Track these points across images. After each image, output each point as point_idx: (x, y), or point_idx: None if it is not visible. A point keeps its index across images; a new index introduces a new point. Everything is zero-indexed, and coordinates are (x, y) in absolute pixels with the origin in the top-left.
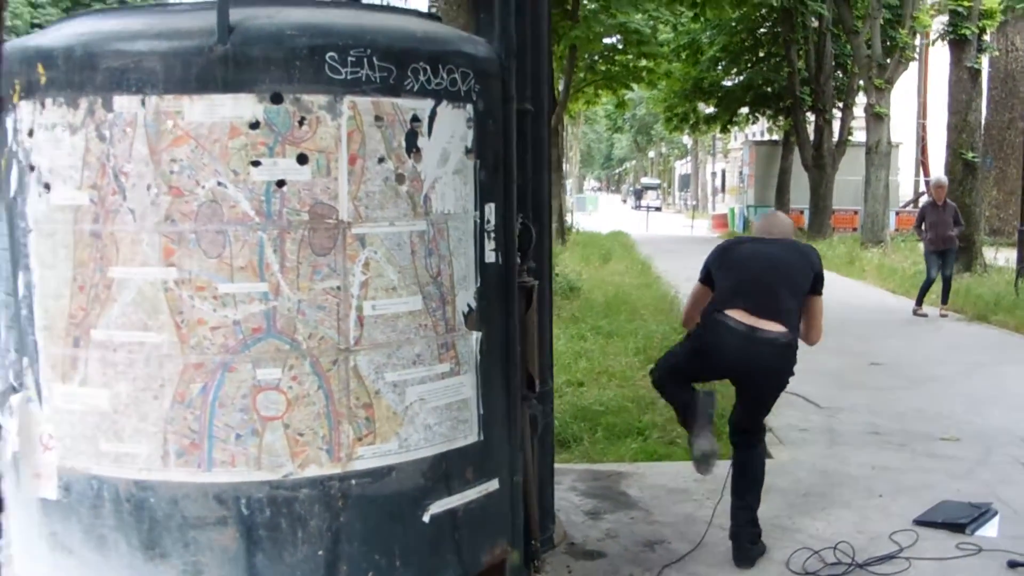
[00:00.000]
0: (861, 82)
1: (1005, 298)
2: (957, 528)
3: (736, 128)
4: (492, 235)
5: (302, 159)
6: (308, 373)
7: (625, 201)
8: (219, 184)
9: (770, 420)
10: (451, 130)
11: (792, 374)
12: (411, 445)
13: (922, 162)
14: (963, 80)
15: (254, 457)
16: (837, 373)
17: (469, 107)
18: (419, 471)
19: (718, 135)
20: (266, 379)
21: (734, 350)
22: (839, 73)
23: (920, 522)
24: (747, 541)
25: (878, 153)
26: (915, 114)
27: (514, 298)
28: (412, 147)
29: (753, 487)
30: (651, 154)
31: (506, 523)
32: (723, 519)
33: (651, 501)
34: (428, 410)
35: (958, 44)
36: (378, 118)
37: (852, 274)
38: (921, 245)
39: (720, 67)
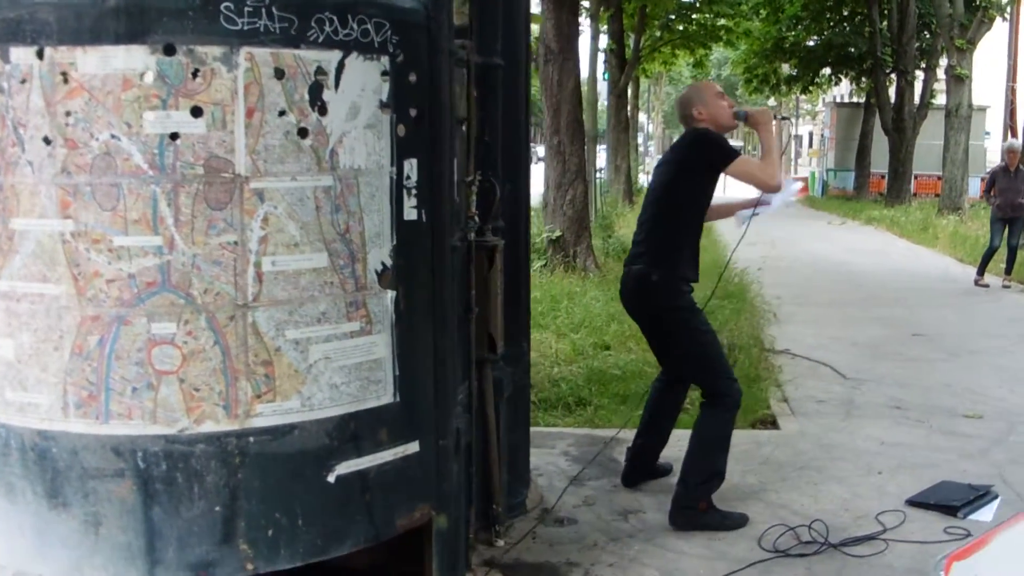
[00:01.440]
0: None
1: None
2: (949, 510)
3: (818, 90)
4: (413, 192)
5: (196, 112)
6: (204, 328)
7: None
8: (113, 137)
9: (790, 391)
10: (362, 83)
11: (669, 308)
12: (315, 404)
13: (1010, 126)
14: None
15: (150, 411)
16: (874, 343)
17: (385, 59)
18: (324, 431)
19: (801, 97)
20: (161, 333)
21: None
22: (925, 34)
23: (912, 502)
24: (679, 504)
25: (958, 116)
26: (1005, 76)
27: (444, 256)
28: (316, 100)
29: (699, 451)
30: None
31: (428, 487)
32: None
33: None
34: (334, 369)
35: None
36: (278, 70)
37: (924, 242)
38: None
39: (801, 26)
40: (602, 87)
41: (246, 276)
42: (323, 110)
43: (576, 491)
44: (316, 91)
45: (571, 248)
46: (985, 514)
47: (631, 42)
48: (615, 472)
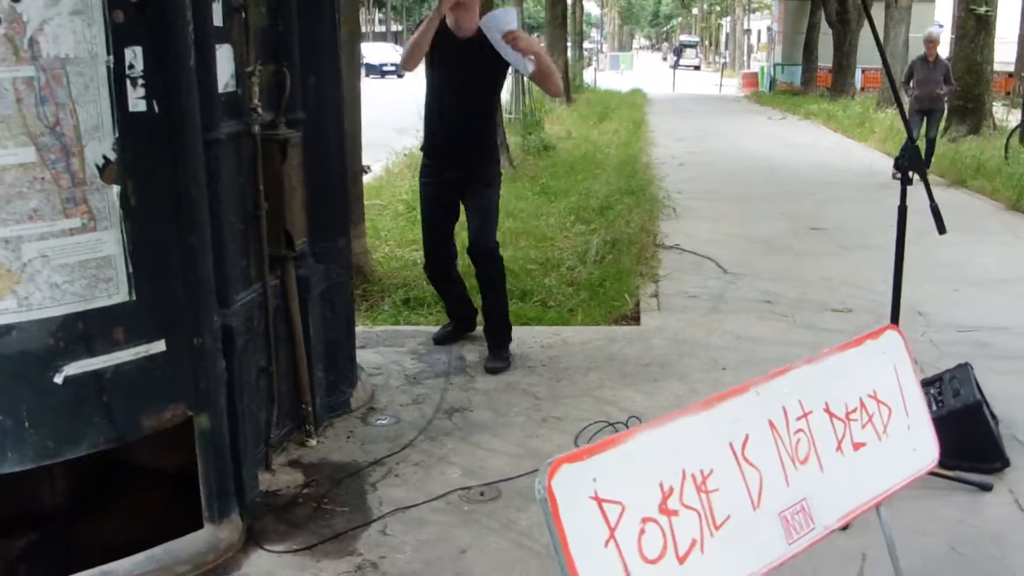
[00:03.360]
0: None
1: (990, 161)
2: None
3: None
4: (139, 82)
5: None
6: None
7: (665, 59)
8: None
9: (665, 286)
10: None
11: None
12: (34, 304)
13: (959, 17)
14: None
15: None
16: (769, 238)
17: None
18: (46, 331)
19: None
20: None
21: None
22: None
23: None
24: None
25: (898, 8)
26: None
27: (190, 150)
28: None
29: None
30: (695, 11)
31: (181, 386)
32: (542, 390)
33: (482, 367)
34: (54, 268)
35: None
36: None
37: (858, 136)
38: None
39: None
40: None
41: None
42: None
43: (410, 389)
44: None
45: None
46: None
47: None
48: (457, 371)
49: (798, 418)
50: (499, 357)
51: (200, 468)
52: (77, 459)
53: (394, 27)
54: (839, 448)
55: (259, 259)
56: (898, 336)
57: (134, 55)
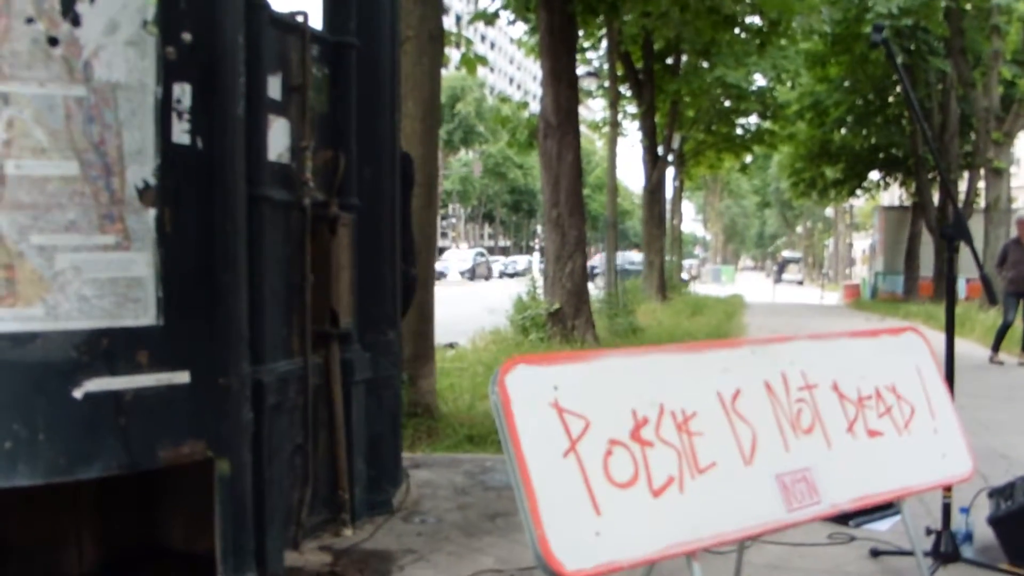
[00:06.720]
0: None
1: None
2: (841, 520)
3: (869, 195)
4: (184, 116)
5: None
6: None
7: (768, 276)
8: None
9: None
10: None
11: None
12: (61, 314)
13: None
14: None
15: None
16: None
17: None
18: (71, 343)
19: (855, 204)
20: None
21: None
22: (970, 135)
23: None
24: None
25: (997, 211)
26: None
27: (232, 188)
28: (69, 11)
29: None
30: (799, 229)
31: (202, 424)
32: None
33: None
34: (85, 281)
35: None
36: None
37: (959, 333)
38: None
39: (846, 129)
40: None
41: None
42: (76, 21)
43: (456, 498)
44: (69, 2)
45: (570, 321)
46: (880, 525)
47: (665, 139)
48: (510, 487)
49: (800, 388)
50: None
51: (217, 517)
52: (109, 532)
53: (502, 242)
54: (850, 429)
55: (302, 333)
56: (919, 339)
57: (182, 91)
